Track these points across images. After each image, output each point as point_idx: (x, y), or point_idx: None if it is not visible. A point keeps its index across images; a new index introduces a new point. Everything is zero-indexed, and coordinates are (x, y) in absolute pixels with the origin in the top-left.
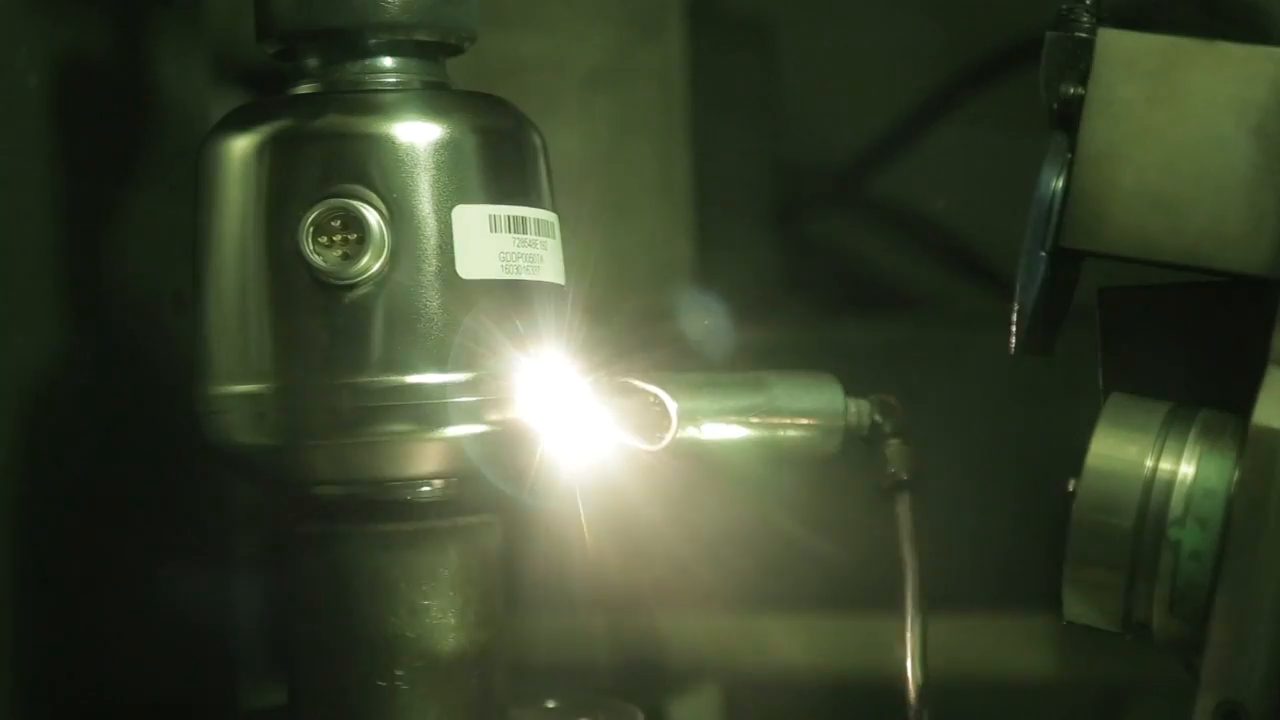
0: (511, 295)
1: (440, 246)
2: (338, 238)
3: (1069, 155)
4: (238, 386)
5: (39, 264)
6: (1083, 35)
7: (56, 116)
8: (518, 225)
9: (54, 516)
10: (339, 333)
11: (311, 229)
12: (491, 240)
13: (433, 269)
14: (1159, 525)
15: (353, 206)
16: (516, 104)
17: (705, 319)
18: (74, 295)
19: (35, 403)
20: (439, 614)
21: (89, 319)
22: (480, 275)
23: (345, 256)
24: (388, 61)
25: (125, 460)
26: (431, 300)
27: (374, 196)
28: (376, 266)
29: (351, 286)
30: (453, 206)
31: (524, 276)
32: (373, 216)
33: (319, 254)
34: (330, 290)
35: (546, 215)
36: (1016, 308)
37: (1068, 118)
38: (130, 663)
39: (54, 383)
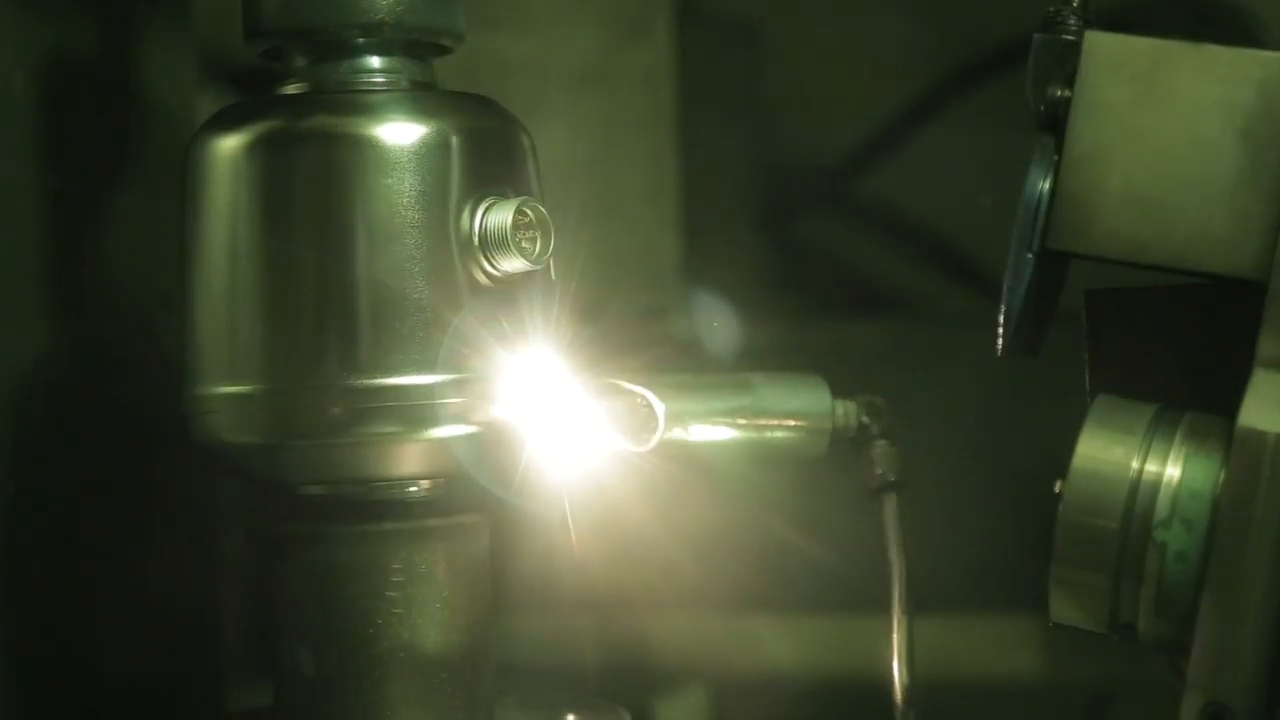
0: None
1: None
2: (532, 234)
3: (1056, 157)
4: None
5: (25, 264)
6: (1070, 38)
7: (42, 116)
8: None
9: (39, 515)
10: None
11: (510, 225)
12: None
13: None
14: (1145, 527)
15: (536, 205)
16: (504, 104)
17: (713, 317)
18: (60, 295)
19: (21, 402)
20: (426, 614)
21: (75, 319)
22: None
23: (527, 253)
24: (375, 61)
25: (111, 459)
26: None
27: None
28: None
29: (506, 281)
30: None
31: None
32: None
33: (519, 249)
34: (489, 281)
35: None
36: (1003, 309)
37: (1055, 120)
38: (115, 662)
39: (40, 382)
